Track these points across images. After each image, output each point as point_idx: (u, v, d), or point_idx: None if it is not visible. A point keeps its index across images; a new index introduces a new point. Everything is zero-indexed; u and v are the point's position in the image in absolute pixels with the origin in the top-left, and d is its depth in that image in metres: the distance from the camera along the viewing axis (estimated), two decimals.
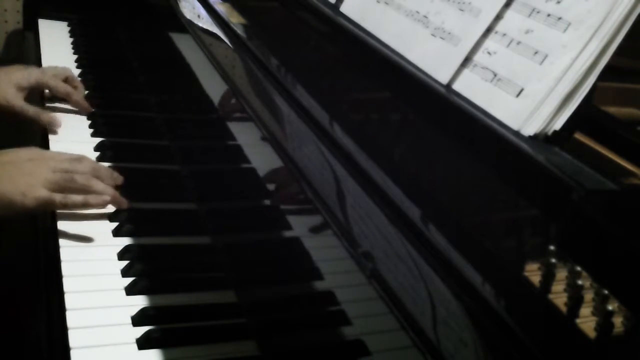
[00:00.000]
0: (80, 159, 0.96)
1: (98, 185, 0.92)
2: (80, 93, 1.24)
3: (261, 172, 0.81)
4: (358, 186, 0.62)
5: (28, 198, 0.86)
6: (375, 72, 0.80)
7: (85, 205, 0.90)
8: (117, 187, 0.97)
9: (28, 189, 0.86)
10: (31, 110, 1.14)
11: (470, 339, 0.49)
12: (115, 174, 0.99)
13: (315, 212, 0.66)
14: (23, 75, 1.17)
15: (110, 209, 0.95)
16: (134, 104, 1.32)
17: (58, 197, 0.88)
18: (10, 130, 1.16)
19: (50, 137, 1.14)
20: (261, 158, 0.82)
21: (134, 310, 0.79)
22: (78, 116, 1.22)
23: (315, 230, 0.69)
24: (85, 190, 0.91)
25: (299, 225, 0.72)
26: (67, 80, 1.24)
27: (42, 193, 0.87)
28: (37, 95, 1.23)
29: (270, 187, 0.79)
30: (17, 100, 1.14)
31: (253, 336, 0.78)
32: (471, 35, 0.70)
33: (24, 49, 1.57)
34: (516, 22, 0.67)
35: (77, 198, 0.90)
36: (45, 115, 1.14)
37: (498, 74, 0.66)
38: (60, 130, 1.15)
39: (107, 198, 0.92)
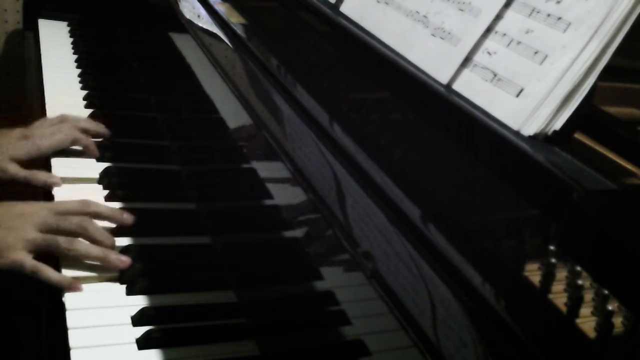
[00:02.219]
0: (80, 206, 0.90)
1: (81, 247, 0.86)
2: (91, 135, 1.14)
3: (261, 172, 0.81)
4: (358, 186, 0.62)
5: (2, 258, 0.82)
6: (375, 72, 0.80)
7: (58, 284, 0.82)
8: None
9: (4, 249, 0.82)
10: (22, 174, 1.04)
11: (470, 339, 0.49)
12: (125, 215, 0.92)
13: (315, 212, 0.66)
14: (21, 147, 1.06)
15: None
16: (134, 104, 1.32)
17: (29, 265, 0.83)
18: None
19: None
20: (261, 158, 0.82)
21: (134, 310, 0.79)
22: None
23: (315, 230, 0.69)
24: (71, 255, 0.85)
25: (298, 226, 0.72)
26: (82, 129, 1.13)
27: (16, 257, 0.82)
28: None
29: (270, 187, 0.79)
30: (8, 170, 1.04)
31: (253, 336, 0.78)
32: (471, 35, 0.70)
33: (24, 49, 1.57)
34: (516, 22, 0.67)
35: (51, 274, 0.83)
36: (40, 176, 1.04)
37: (498, 74, 0.66)
38: None
39: (80, 287, 0.82)
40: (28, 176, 1.03)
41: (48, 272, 0.83)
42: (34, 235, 0.85)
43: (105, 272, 0.85)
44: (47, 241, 0.85)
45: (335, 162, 0.67)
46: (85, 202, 0.92)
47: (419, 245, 0.54)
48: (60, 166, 1.07)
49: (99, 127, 1.16)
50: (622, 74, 0.75)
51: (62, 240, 0.85)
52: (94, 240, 0.87)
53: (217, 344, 0.77)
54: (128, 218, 0.93)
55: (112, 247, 0.88)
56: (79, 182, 1.04)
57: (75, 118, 1.15)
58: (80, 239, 0.87)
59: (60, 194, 1.00)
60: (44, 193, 1.03)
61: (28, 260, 0.83)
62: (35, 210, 0.88)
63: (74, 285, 0.82)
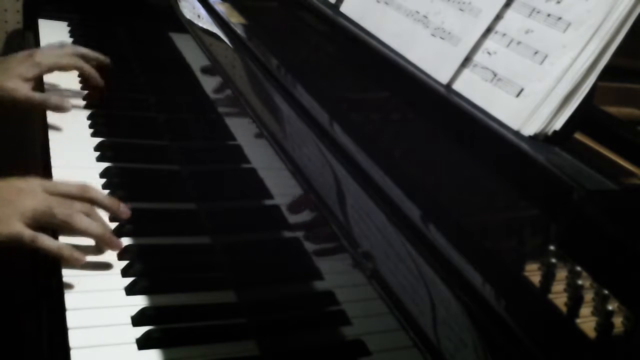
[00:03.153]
0: (79, 190, 0.89)
1: (81, 221, 0.84)
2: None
3: (261, 172, 0.81)
4: (358, 186, 0.62)
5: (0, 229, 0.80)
6: (375, 72, 0.80)
7: (58, 253, 0.82)
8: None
9: (2, 220, 0.81)
10: (37, 97, 1.10)
11: (470, 339, 0.49)
12: (122, 207, 0.91)
13: (315, 211, 0.66)
14: (26, 67, 1.13)
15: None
16: (134, 104, 1.32)
17: (28, 236, 0.81)
18: (11, 128, 1.15)
19: (51, 136, 1.14)
20: (261, 158, 0.82)
21: (134, 310, 0.79)
22: (78, 116, 1.22)
23: (315, 230, 0.69)
24: (67, 227, 0.84)
25: (298, 225, 0.72)
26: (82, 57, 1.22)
27: (14, 228, 0.81)
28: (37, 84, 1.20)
29: (271, 187, 0.79)
30: (21, 91, 1.10)
31: (253, 336, 0.78)
32: (471, 35, 0.70)
33: (24, 49, 1.57)
34: (516, 22, 0.67)
35: (50, 243, 0.82)
36: (53, 99, 1.11)
37: (498, 74, 0.66)
38: (59, 130, 1.15)
39: (81, 258, 0.82)
40: (42, 98, 1.11)
41: (47, 240, 0.81)
42: (32, 208, 0.83)
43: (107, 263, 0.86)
44: (45, 212, 0.83)
45: (335, 162, 0.67)
46: (84, 187, 0.90)
47: (419, 245, 0.54)
48: (60, 167, 1.07)
49: (97, 54, 1.24)
50: (622, 74, 0.75)
51: (60, 212, 0.84)
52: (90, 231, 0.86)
53: (217, 344, 0.77)
54: (125, 211, 0.91)
55: (109, 231, 0.88)
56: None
57: (75, 46, 1.24)
58: (79, 214, 0.85)
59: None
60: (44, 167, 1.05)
61: (26, 231, 0.81)
62: (34, 187, 0.87)
63: (75, 256, 0.81)
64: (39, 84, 1.20)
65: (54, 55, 1.18)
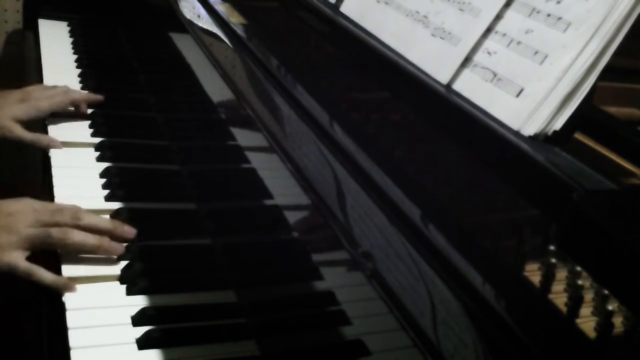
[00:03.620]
0: (61, 210, 0.87)
1: (76, 236, 0.84)
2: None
3: (261, 172, 0.81)
4: (358, 186, 0.62)
5: None
6: (375, 72, 0.80)
7: (54, 284, 0.81)
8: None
9: None
10: (28, 136, 1.10)
11: (470, 339, 0.49)
12: (126, 228, 0.90)
13: (315, 212, 0.66)
14: (21, 108, 1.13)
15: (111, 207, 0.95)
16: (134, 104, 1.32)
17: (23, 270, 0.81)
18: None
19: (50, 131, 1.14)
20: (261, 158, 0.82)
21: (134, 310, 0.79)
22: (78, 116, 1.22)
23: (315, 230, 0.69)
24: (64, 245, 0.84)
25: (298, 226, 0.72)
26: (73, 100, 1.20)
27: (9, 258, 0.81)
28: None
29: (271, 187, 0.79)
30: (15, 132, 1.10)
31: (253, 336, 0.78)
32: (471, 35, 0.70)
33: (24, 49, 1.57)
34: (516, 22, 0.67)
35: (46, 276, 0.81)
36: (44, 139, 1.11)
37: (498, 74, 0.66)
38: (59, 131, 1.15)
39: (74, 288, 0.81)
40: (34, 138, 1.10)
41: (42, 274, 0.81)
42: (26, 232, 0.83)
43: (106, 264, 0.86)
44: (40, 235, 0.83)
45: (335, 162, 0.67)
46: (76, 208, 0.89)
47: (419, 245, 0.54)
48: (60, 167, 1.07)
49: (89, 95, 1.24)
50: (622, 74, 0.75)
51: (55, 231, 0.83)
52: (89, 230, 0.86)
53: (217, 344, 0.77)
54: (130, 231, 0.90)
55: (111, 230, 0.88)
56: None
57: (67, 87, 1.23)
58: (74, 229, 0.85)
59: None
60: (47, 187, 1.03)
61: (21, 263, 0.81)
62: (25, 208, 0.86)
63: (69, 286, 0.81)
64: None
65: (50, 98, 1.17)
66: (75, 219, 0.86)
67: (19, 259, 0.81)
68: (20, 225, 0.83)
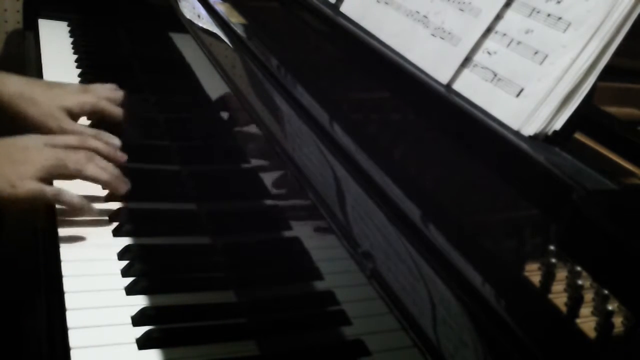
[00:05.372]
0: (79, 141, 0.93)
1: (92, 169, 0.90)
2: None
3: (261, 172, 0.81)
4: (358, 186, 0.62)
5: (17, 189, 0.83)
6: (375, 72, 0.80)
7: (80, 205, 0.88)
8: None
9: (17, 180, 0.83)
10: (89, 132, 1.01)
11: (470, 339, 0.49)
12: (119, 153, 0.97)
13: (315, 212, 0.66)
14: (77, 102, 1.06)
15: (111, 206, 0.95)
16: (134, 104, 1.32)
17: (50, 191, 0.86)
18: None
19: None
20: (261, 158, 0.82)
21: (134, 310, 0.79)
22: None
23: (315, 230, 0.69)
24: (79, 176, 0.89)
25: (298, 225, 0.72)
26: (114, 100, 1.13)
27: (33, 185, 0.84)
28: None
29: (270, 187, 0.79)
30: (73, 126, 1.03)
31: (253, 336, 0.78)
32: (471, 35, 0.70)
33: (24, 49, 1.57)
34: (516, 22, 0.67)
35: (73, 198, 0.87)
36: (103, 135, 1.01)
37: (498, 74, 0.66)
38: None
39: (92, 211, 0.89)
40: (96, 133, 1.01)
41: (70, 194, 0.87)
42: (43, 162, 0.86)
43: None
44: (57, 165, 0.87)
45: (335, 162, 0.67)
46: (83, 137, 0.94)
47: (419, 245, 0.54)
48: None
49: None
50: (622, 74, 0.75)
51: (72, 162, 0.88)
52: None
53: (217, 344, 0.77)
54: (122, 156, 0.96)
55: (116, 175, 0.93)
56: None
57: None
58: (89, 162, 0.90)
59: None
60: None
61: (47, 187, 0.86)
62: (38, 143, 0.90)
63: (90, 208, 0.89)
64: None
65: (111, 105, 1.10)
66: (89, 159, 0.91)
67: (42, 185, 0.86)
68: (37, 157, 0.87)
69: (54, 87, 1.10)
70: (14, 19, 1.94)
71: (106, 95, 1.12)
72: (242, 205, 0.90)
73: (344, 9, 0.90)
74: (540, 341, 0.45)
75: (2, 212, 0.99)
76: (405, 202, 0.58)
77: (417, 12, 0.78)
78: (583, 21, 0.61)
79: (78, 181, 0.92)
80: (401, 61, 0.75)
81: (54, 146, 0.90)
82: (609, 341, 0.46)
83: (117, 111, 1.11)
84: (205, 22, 1.06)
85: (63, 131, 1.01)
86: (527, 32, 0.66)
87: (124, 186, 0.93)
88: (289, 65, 0.85)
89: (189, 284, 0.86)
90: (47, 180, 0.87)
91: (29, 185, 0.84)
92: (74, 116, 1.06)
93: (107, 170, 0.92)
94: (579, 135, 0.63)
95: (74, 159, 0.89)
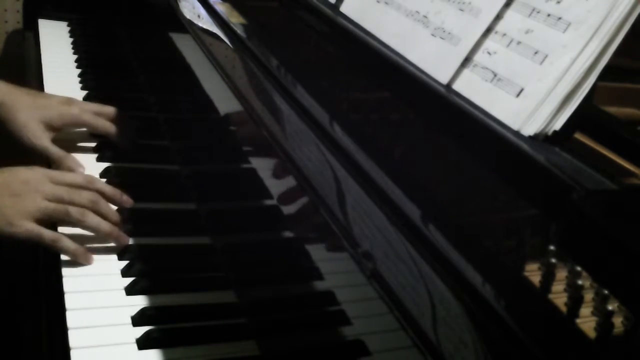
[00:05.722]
0: (85, 181, 0.90)
1: (92, 220, 0.86)
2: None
3: (261, 172, 0.81)
4: (358, 186, 0.62)
5: (15, 228, 0.80)
6: (375, 72, 0.80)
7: (76, 254, 0.84)
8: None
9: (16, 217, 0.80)
10: (55, 153, 1.02)
11: (470, 339, 0.49)
12: (124, 197, 0.93)
13: (315, 212, 0.66)
14: (58, 113, 1.05)
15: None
16: (134, 104, 1.32)
17: (48, 237, 0.82)
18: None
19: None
20: (261, 158, 0.82)
21: (134, 310, 0.79)
22: None
23: (315, 230, 0.69)
24: (79, 225, 0.86)
25: (298, 225, 0.72)
26: (101, 114, 1.11)
27: (30, 227, 0.81)
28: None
29: (271, 187, 0.79)
30: (42, 141, 1.01)
31: (253, 336, 0.78)
32: (471, 35, 0.70)
33: (24, 49, 1.57)
34: (516, 22, 0.67)
35: (70, 245, 0.83)
36: (69, 160, 1.02)
37: (498, 74, 0.66)
38: (59, 131, 1.15)
39: (91, 259, 0.85)
40: (59, 155, 1.01)
41: (67, 242, 0.83)
42: (44, 204, 0.83)
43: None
44: (58, 211, 0.84)
45: (335, 162, 0.67)
46: (89, 178, 0.92)
47: (419, 245, 0.54)
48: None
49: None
50: (622, 74, 0.75)
51: (74, 211, 0.84)
52: (102, 216, 0.88)
53: (217, 344, 0.77)
54: (127, 200, 0.94)
55: (118, 223, 0.90)
56: None
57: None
58: (91, 212, 0.86)
59: None
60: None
61: (45, 230, 0.82)
62: (39, 177, 0.86)
63: (87, 256, 0.84)
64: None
65: (94, 117, 1.09)
66: (93, 202, 0.87)
67: (40, 228, 0.82)
68: (37, 195, 0.84)
69: (38, 97, 1.08)
70: (14, 19, 1.94)
71: (92, 108, 1.10)
72: (241, 205, 0.90)
73: (344, 9, 0.90)
74: (540, 341, 0.45)
75: None
76: (405, 202, 0.58)
77: (417, 12, 0.78)
78: (583, 21, 0.61)
79: None
80: (401, 61, 0.75)
81: (58, 183, 0.87)
82: (609, 341, 0.46)
83: (103, 125, 1.09)
84: (205, 22, 1.06)
85: (32, 145, 1.01)
86: (527, 32, 0.65)
87: (124, 239, 0.89)
88: (289, 65, 0.85)
89: (189, 284, 0.86)
90: (44, 221, 0.83)
91: (26, 226, 0.81)
92: (55, 128, 1.05)
93: (109, 217, 0.88)
94: (579, 135, 0.63)
95: (76, 210, 0.84)
